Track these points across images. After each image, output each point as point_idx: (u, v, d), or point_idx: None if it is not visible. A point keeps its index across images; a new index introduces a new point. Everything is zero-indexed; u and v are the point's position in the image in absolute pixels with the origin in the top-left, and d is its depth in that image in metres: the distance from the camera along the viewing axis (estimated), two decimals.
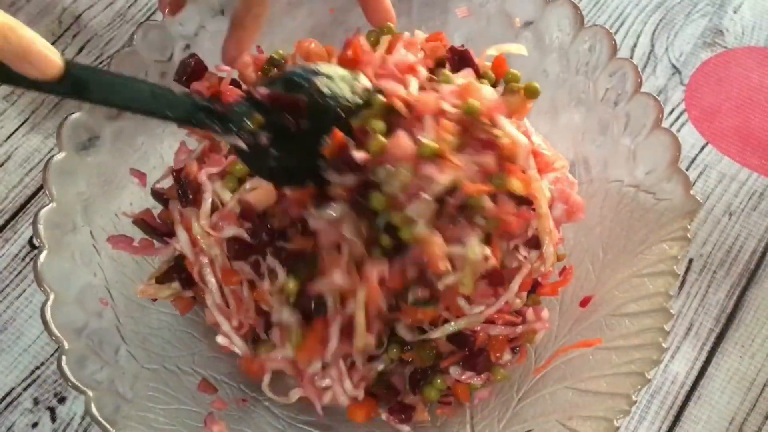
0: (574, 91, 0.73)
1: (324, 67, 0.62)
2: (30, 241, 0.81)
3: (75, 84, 0.52)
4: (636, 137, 0.68)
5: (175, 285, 0.67)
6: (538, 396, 0.65)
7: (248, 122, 0.59)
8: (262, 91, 0.60)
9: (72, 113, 0.66)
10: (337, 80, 0.62)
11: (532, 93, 0.71)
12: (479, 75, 0.71)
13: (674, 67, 0.91)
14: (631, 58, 0.91)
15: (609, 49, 0.69)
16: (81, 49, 0.91)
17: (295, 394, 0.68)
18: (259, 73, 0.73)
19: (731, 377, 0.76)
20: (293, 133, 0.60)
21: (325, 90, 0.61)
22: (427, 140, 0.58)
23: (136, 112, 0.56)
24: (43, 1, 0.94)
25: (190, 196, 0.66)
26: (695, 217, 0.63)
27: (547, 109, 0.75)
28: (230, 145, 0.61)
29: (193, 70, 0.71)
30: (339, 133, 0.60)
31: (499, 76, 0.72)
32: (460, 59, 0.71)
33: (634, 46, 0.92)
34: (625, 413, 0.57)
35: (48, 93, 0.54)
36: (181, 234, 0.66)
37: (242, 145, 0.59)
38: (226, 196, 0.66)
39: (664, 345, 0.58)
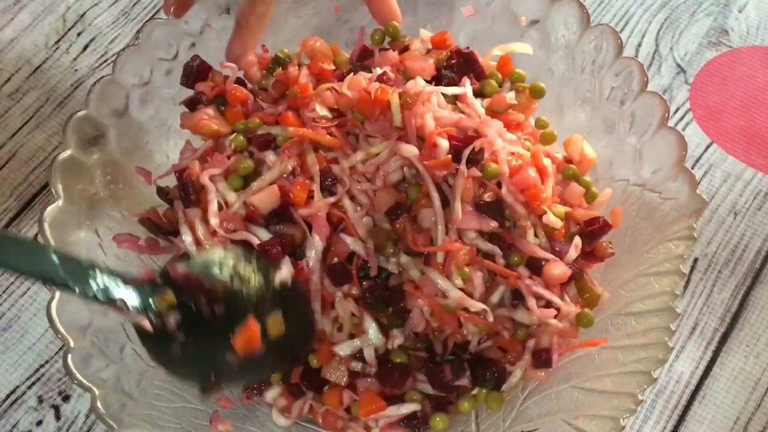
0: (579, 89, 0.73)
1: (221, 256, 0.59)
2: (35, 238, 0.81)
3: None
4: (642, 136, 0.68)
5: None
6: (543, 395, 0.65)
7: (157, 301, 0.55)
8: (180, 270, 0.56)
9: (78, 111, 0.66)
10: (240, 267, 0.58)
11: (537, 93, 0.71)
12: (484, 76, 0.71)
13: (679, 66, 0.91)
14: (636, 57, 0.91)
15: (615, 48, 0.69)
16: (85, 48, 0.91)
17: (272, 394, 0.68)
18: (264, 71, 0.73)
19: (736, 377, 0.76)
20: (203, 319, 0.56)
21: (241, 276, 0.58)
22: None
23: (37, 280, 0.54)
24: None
25: (192, 197, 0.66)
26: (701, 216, 0.63)
27: (552, 108, 0.75)
28: (133, 325, 0.57)
29: (197, 71, 0.71)
30: (254, 325, 0.56)
31: (505, 75, 0.72)
32: (466, 61, 0.71)
33: (639, 45, 0.92)
34: (632, 412, 0.57)
35: None
36: (186, 234, 0.66)
37: (147, 325, 0.55)
38: (231, 196, 0.66)
39: (670, 344, 0.58)
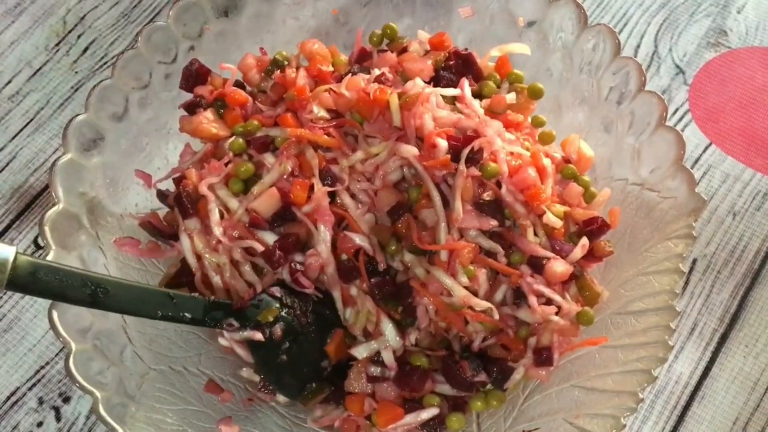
0: (577, 90, 0.73)
1: None
2: (35, 241, 0.82)
3: (93, 295, 0.57)
4: (640, 135, 0.68)
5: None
6: (544, 395, 0.66)
7: (263, 316, 0.64)
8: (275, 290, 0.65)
9: (78, 114, 0.66)
10: None
11: (535, 93, 0.71)
12: (482, 77, 0.72)
13: (678, 67, 0.91)
14: (635, 58, 0.91)
15: (613, 48, 0.69)
16: (85, 50, 0.92)
17: (245, 373, 0.69)
18: (262, 74, 0.73)
19: (735, 377, 0.76)
20: (299, 331, 0.65)
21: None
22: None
23: (156, 318, 0.62)
24: (47, 2, 0.94)
25: (190, 209, 0.66)
26: (700, 214, 0.64)
27: (551, 108, 0.75)
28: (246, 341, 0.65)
29: (196, 74, 0.71)
30: (341, 334, 0.66)
31: (503, 76, 0.73)
32: (464, 62, 0.71)
33: (638, 46, 0.92)
34: (632, 411, 0.57)
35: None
36: (185, 241, 0.66)
37: (259, 336, 0.63)
38: (233, 204, 0.66)
39: (670, 342, 0.59)
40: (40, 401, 0.75)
